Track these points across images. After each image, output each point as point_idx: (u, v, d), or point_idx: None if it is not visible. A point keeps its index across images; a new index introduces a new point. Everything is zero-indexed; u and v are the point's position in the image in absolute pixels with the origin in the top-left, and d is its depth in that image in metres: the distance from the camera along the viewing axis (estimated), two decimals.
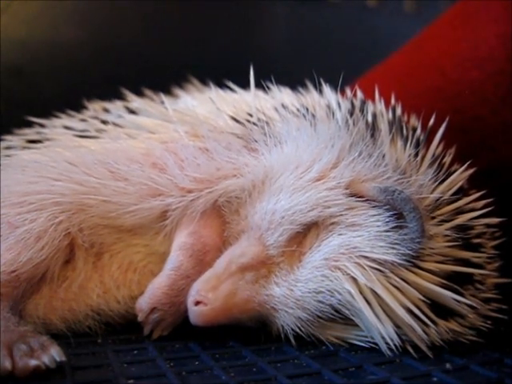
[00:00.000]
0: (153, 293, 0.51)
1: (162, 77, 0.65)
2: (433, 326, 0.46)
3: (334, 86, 0.57)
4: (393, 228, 0.47)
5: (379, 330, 0.46)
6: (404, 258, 0.46)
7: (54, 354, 0.42)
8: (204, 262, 0.52)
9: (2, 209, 0.53)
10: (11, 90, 0.94)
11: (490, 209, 0.51)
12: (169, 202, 0.53)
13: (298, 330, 0.49)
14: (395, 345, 0.46)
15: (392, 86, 0.61)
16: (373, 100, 0.58)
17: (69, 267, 0.55)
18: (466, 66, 0.68)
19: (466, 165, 0.53)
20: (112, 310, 0.55)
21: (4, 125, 0.63)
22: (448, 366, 0.44)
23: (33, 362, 0.40)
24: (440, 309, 0.47)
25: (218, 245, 0.53)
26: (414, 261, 0.46)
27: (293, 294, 0.48)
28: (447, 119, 0.54)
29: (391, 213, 0.48)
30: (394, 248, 0.46)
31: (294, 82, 0.63)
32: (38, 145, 0.59)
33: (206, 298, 0.48)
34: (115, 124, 0.59)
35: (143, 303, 0.51)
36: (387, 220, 0.47)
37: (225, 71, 0.65)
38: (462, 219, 0.49)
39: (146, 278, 0.54)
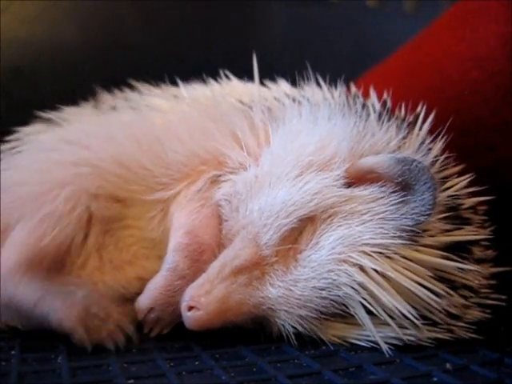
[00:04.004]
0: (150, 293, 0.52)
1: (162, 77, 0.65)
2: (447, 296, 0.46)
3: (334, 85, 0.57)
4: (396, 206, 0.47)
5: (398, 310, 0.45)
6: (407, 236, 0.46)
7: None
8: (200, 261, 0.52)
9: (25, 186, 0.55)
10: (11, 89, 0.94)
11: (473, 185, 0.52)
12: (170, 180, 0.55)
13: (299, 328, 0.49)
14: (395, 344, 0.46)
15: (392, 86, 0.60)
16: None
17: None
18: (466, 65, 0.68)
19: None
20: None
21: (4, 125, 0.63)
22: (448, 365, 0.44)
23: None
24: (447, 284, 0.47)
25: (213, 244, 0.53)
26: (415, 238, 0.46)
27: (292, 294, 0.48)
28: (435, 109, 0.55)
29: (394, 191, 0.47)
30: (396, 229, 0.46)
31: (294, 82, 0.63)
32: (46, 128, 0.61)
33: (199, 304, 0.48)
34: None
35: (141, 303, 0.52)
36: (388, 199, 0.47)
37: (224, 71, 0.65)
38: (452, 190, 0.50)
39: (139, 261, 0.57)
